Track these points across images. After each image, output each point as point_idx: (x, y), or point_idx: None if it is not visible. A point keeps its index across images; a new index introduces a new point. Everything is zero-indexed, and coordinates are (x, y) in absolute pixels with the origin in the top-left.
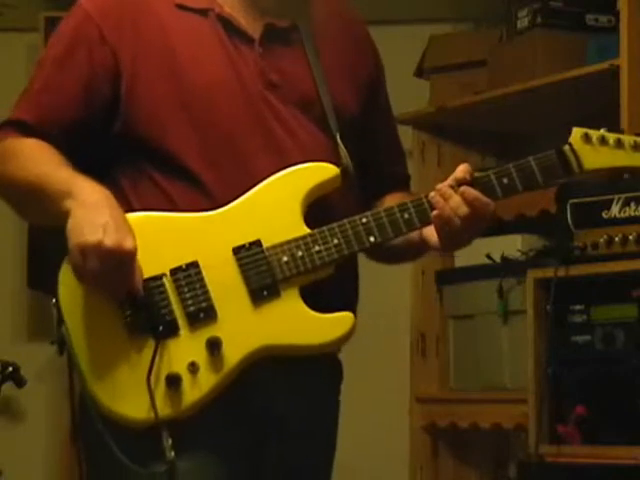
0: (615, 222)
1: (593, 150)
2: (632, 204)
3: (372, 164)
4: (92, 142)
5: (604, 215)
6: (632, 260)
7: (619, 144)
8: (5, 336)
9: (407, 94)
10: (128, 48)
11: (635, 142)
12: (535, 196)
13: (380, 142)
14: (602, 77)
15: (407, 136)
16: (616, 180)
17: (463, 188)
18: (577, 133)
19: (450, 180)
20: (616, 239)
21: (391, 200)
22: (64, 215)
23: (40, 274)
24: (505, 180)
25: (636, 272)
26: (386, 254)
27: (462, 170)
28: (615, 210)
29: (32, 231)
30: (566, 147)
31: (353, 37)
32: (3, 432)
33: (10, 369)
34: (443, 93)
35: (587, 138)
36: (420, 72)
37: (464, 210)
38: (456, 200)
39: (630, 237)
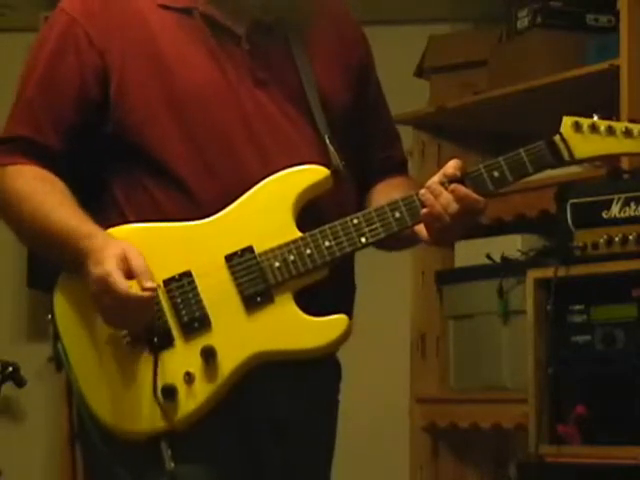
0: (615, 222)
1: (584, 138)
2: (632, 204)
3: (365, 150)
4: (86, 149)
5: (604, 215)
6: (632, 260)
7: (610, 131)
8: (5, 336)
9: (407, 94)
10: (116, 51)
11: (626, 128)
12: (535, 196)
13: (372, 127)
14: (602, 77)
15: (407, 136)
16: (616, 180)
17: (453, 185)
18: (567, 122)
19: (440, 176)
20: (616, 239)
21: (387, 187)
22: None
23: (40, 274)
24: (496, 173)
25: (636, 272)
26: (380, 244)
27: (452, 166)
28: (615, 210)
29: None
30: (556, 137)
31: (339, 25)
32: (3, 432)
33: (10, 369)
34: (443, 93)
35: (577, 126)
36: (420, 72)
37: (454, 207)
38: (446, 197)
39: (630, 237)
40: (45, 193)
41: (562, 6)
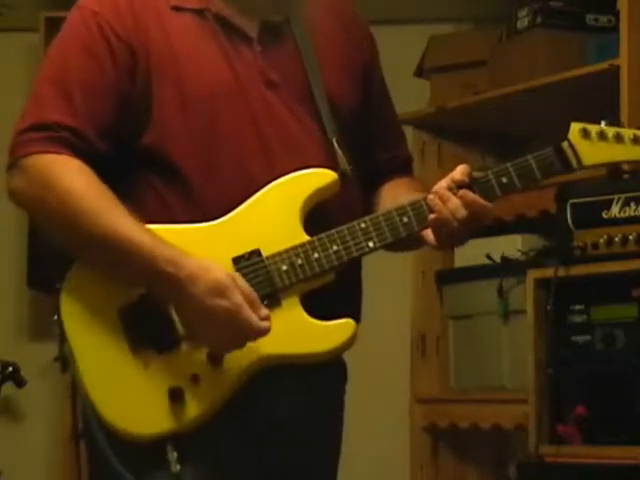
0: (615, 222)
1: (592, 145)
2: (632, 204)
3: (371, 150)
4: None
5: (604, 215)
6: (632, 260)
7: (618, 138)
8: (6, 336)
9: (407, 94)
10: (140, 47)
11: (635, 135)
12: (535, 196)
13: (377, 127)
14: (602, 77)
15: (407, 136)
16: (616, 180)
17: (462, 192)
18: (575, 128)
19: (448, 181)
20: (616, 239)
21: (393, 187)
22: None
23: (40, 274)
24: (504, 179)
25: (636, 272)
26: (386, 247)
27: (460, 172)
28: (615, 210)
29: (32, 231)
30: (564, 143)
31: (346, 25)
32: (3, 432)
33: (10, 369)
34: (443, 93)
35: (585, 133)
36: (420, 72)
37: (462, 213)
38: (454, 203)
39: (630, 237)
40: (104, 198)
41: (562, 6)
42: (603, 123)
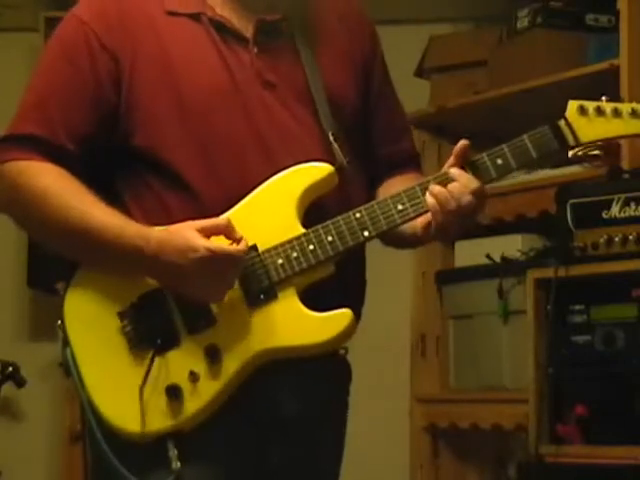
0: (615, 222)
1: (589, 122)
2: (632, 204)
3: (373, 144)
4: (95, 150)
5: (604, 215)
6: (632, 260)
7: (616, 113)
8: (6, 336)
9: (407, 94)
10: (126, 55)
11: (633, 109)
12: (535, 196)
13: (378, 121)
14: (602, 77)
15: None
16: (616, 180)
17: (457, 171)
18: (573, 106)
19: (447, 165)
20: (616, 239)
21: (396, 182)
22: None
23: (40, 273)
24: (499, 161)
25: (636, 272)
26: (389, 240)
27: (461, 145)
28: (615, 210)
29: None
30: (561, 121)
31: (347, 21)
32: (3, 432)
33: (10, 369)
34: (443, 93)
35: (583, 110)
36: (420, 72)
37: (459, 192)
38: (452, 184)
39: (630, 237)
40: (72, 191)
41: (562, 6)
42: (604, 98)
